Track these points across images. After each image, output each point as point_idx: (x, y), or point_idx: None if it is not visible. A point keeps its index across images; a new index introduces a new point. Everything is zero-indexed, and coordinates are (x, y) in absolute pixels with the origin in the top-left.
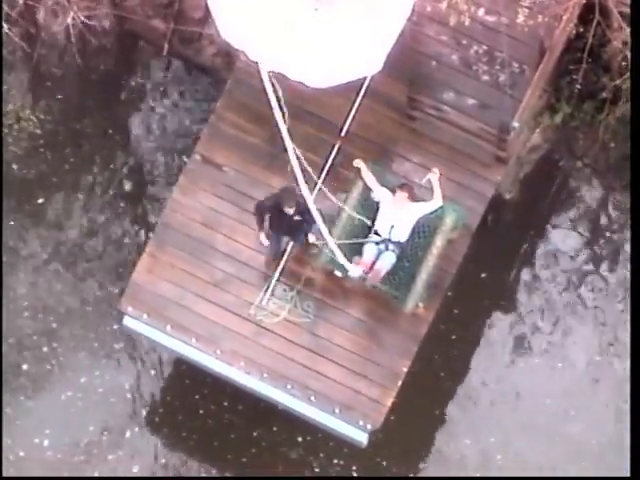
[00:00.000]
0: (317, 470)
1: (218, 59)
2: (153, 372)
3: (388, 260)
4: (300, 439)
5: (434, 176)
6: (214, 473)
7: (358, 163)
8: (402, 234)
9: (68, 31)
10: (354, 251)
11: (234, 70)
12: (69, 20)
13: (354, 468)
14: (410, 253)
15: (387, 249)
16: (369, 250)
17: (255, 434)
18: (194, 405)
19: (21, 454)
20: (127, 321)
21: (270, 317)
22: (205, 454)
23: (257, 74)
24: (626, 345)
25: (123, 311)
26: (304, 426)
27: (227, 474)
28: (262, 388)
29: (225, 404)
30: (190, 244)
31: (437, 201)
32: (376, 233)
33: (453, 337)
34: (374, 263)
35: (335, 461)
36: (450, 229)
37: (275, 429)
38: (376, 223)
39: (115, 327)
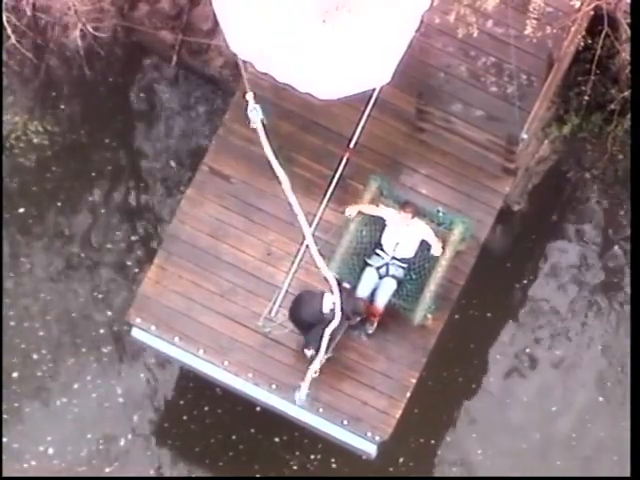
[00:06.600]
0: (295, 468)
1: (226, 71)
2: (142, 375)
3: (385, 290)
4: (277, 439)
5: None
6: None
7: (349, 210)
8: (408, 251)
9: (76, 42)
10: (354, 272)
11: (242, 82)
12: (77, 31)
13: (332, 460)
14: (418, 265)
15: (387, 274)
16: (368, 278)
17: (234, 437)
18: (178, 411)
19: (33, 463)
20: (135, 332)
21: (278, 328)
22: (186, 460)
23: (265, 86)
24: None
25: (131, 322)
26: (281, 427)
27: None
28: (270, 399)
29: (206, 409)
30: (197, 255)
31: (437, 250)
32: (382, 249)
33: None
34: (371, 302)
35: (312, 457)
36: (458, 241)
37: (252, 431)
38: (382, 238)
39: (101, 331)
